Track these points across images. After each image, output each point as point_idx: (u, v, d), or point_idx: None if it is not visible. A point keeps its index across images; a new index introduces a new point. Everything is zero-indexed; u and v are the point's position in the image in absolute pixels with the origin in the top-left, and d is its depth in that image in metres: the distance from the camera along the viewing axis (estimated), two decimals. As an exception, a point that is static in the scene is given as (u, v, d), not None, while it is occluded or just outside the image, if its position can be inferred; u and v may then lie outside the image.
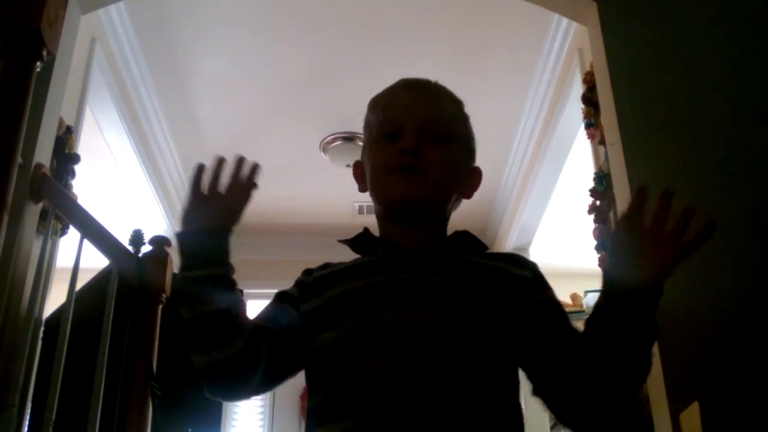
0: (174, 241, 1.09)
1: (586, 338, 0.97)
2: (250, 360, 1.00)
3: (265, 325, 1.05)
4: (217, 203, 1.05)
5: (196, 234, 1.02)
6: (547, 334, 1.01)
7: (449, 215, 1.15)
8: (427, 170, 1.07)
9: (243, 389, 1.03)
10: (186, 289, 1.00)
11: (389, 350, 0.94)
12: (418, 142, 1.07)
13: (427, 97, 1.16)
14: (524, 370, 1.03)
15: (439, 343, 0.95)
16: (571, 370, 0.96)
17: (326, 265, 1.14)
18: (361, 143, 4.51)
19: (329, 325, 1.02)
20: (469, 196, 1.17)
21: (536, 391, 1.01)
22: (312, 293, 1.08)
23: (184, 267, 1.00)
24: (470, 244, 1.12)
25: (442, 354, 0.94)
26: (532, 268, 1.09)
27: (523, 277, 1.06)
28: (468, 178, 1.17)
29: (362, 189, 1.21)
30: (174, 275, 2.35)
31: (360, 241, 1.14)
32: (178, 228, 1.04)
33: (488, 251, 1.14)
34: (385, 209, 1.13)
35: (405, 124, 1.10)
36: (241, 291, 3.14)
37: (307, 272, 1.14)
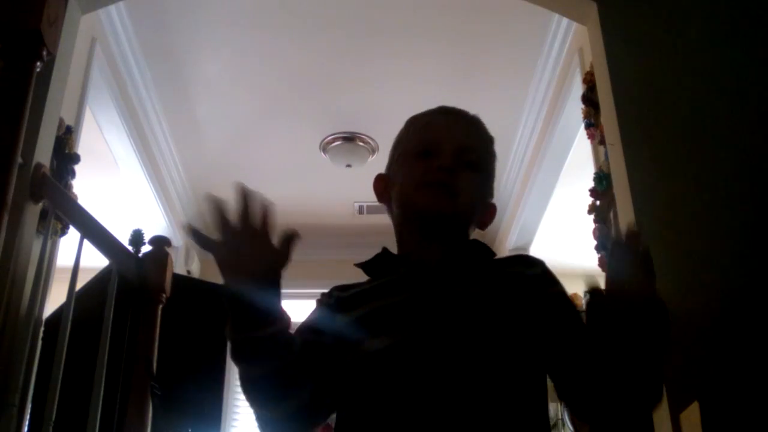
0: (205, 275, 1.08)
1: (594, 344, 0.98)
2: (318, 400, 1.00)
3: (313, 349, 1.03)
4: (258, 242, 0.94)
5: (243, 285, 0.91)
6: (562, 327, 1.04)
7: (467, 237, 1.18)
8: (458, 191, 1.10)
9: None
10: (241, 351, 0.94)
11: (425, 367, 0.95)
12: (455, 163, 1.11)
13: (466, 125, 1.20)
14: (548, 372, 1.05)
15: (477, 355, 0.96)
16: (585, 369, 0.98)
17: (346, 287, 1.15)
18: (361, 143, 4.47)
19: (358, 344, 1.02)
20: (483, 227, 1.20)
21: (560, 394, 1.03)
22: (338, 312, 1.09)
23: (236, 328, 0.92)
24: (482, 252, 1.15)
25: (481, 365, 0.96)
26: (541, 264, 1.12)
27: (535, 276, 1.09)
28: (486, 210, 1.20)
29: (382, 201, 1.22)
30: (174, 275, 2.35)
31: (379, 261, 1.16)
32: (222, 280, 0.93)
33: (497, 257, 1.17)
34: (411, 220, 1.14)
35: (443, 144, 1.13)
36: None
37: (328, 295, 1.14)
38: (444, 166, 1.10)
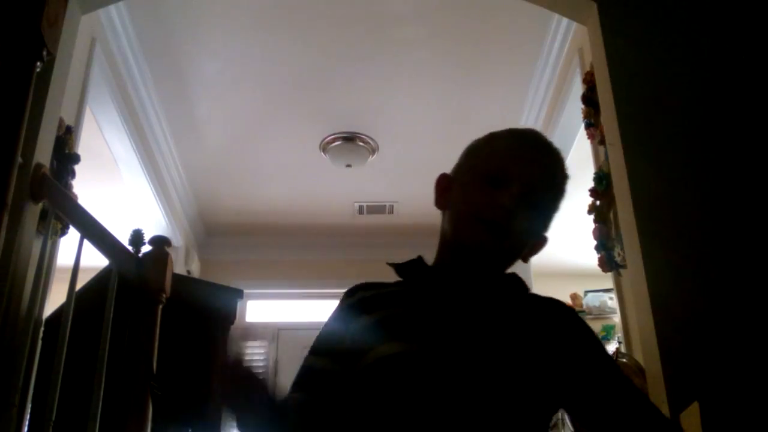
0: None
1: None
2: None
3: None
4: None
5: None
6: (586, 368, 1.03)
7: (507, 268, 1.16)
8: (510, 233, 1.06)
9: None
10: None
11: (432, 378, 0.95)
12: (517, 206, 1.06)
13: (545, 162, 1.13)
14: (567, 410, 1.05)
15: (485, 374, 0.96)
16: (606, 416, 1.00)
17: (371, 286, 1.14)
18: (361, 143, 4.45)
19: (367, 349, 1.02)
20: (526, 260, 1.16)
21: (582, 426, 1.03)
22: (360, 313, 1.08)
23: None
24: (516, 286, 1.13)
25: (488, 385, 0.95)
26: (575, 315, 1.11)
27: (569, 324, 1.07)
28: (535, 245, 1.16)
29: (440, 205, 1.17)
30: (174, 275, 2.35)
31: (412, 266, 1.14)
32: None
33: (531, 293, 1.15)
34: (456, 244, 1.11)
35: (514, 179, 1.07)
36: (241, 291, 3.13)
37: (352, 293, 1.15)
38: (506, 206, 1.05)
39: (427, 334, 1.00)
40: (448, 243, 1.12)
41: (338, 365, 1.06)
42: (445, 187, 1.17)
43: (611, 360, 1.08)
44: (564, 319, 1.07)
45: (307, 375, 1.11)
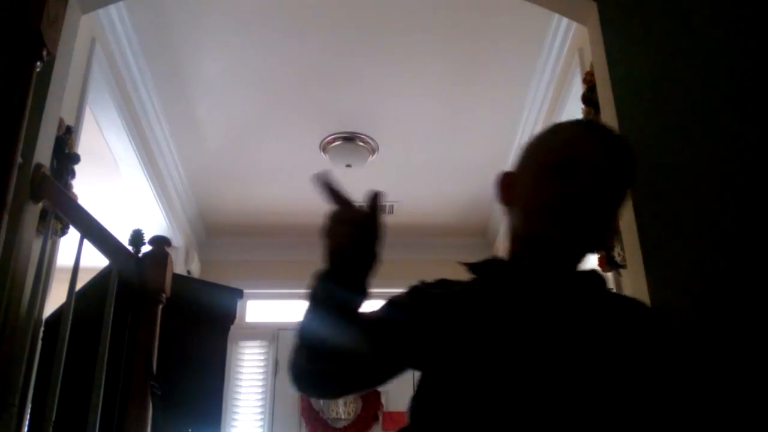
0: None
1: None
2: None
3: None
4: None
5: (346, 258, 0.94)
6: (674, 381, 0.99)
7: (583, 261, 1.12)
8: (583, 222, 1.03)
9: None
10: (320, 300, 0.99)
11: (534, 397, 0.91)
12: (587, 190, 1.03)
13: (611, 147, 1.10)
14: None
15: (594, 390, 0.92)
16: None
17: (442, 282, 1.10)
18: (361, 143, 4.45)
19: (452, 354, 0.98)
20: (599, 249, 1.15)
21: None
22: (429, 312, 1.04)
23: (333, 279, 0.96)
24: (597, 283, 1.10)
25: (596, 404, 0.91)
26: (663, 313, 1.10)
27: (658, 322, 1.05)
28: (608, 234, 1.13)
29: (505, 201, 1.14)
30: (174, 275, 2.34)
31: (489, 266, 1.11)
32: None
33: (611, 291, 1.12)
34: (529, 239, 1.08)
35: (581, 166, 1.04)
36: (241, 291, 3.13)
37: (419, 289, 1.11)
38: (576, 194, 1.02)
39: (526, 344, 0.95)
40: (520, 238, 1.09)
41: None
42: (509, 183, 1.14)
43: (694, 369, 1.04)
44: (655, 326, 1.04)
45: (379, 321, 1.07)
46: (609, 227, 1.10)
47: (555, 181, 1.04)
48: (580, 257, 1.09)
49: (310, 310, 0.98)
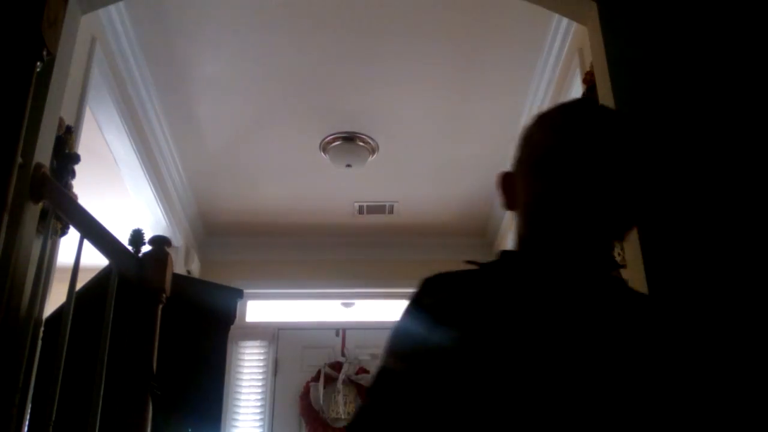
0: None
1: None
2: None
3: None
4: None
5: None
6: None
7: (609, 260, 1.02)
8: (593, 213, 0.94)
9: None
10: None
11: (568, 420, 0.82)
12: (584, 186, 0.94)
13: (602, 130, 0.98)
14: None
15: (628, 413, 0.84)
16: None
17: (452, 284, 0.97)
18: (361, 143, 4.45)
19: (473, 378, 0.86)
20: (624, 238, 1.04)
21: None
22: (444, 321, 0.91)
23: None
24: (619, 291, 1.00)
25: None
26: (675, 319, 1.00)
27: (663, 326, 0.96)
28: (631, 223, 1.04)
29: (509, 206, 1.05)
30: (174, 275, 2.35)
31: (501, 267, 1.01)
32: None
33: (632, 292, 1.03)
34: (539, 240, 0.97)
35: (578, 157, 0.95)
36: (241, 291, 3.13)
37: (430, 295, 0.97)
38: (576, 185, 0.93)
39: (557, 361, 0.86)
40: (528, 240, 0.99)
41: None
42: (508, 184, 1.05)
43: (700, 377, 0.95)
44: (667, 329, 0.95)
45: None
46: (625, 209, 0.98)
47: (548, 178, 0.96)
48: (594, 250, 0.97)
49: None
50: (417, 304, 0.97)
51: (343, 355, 4.86)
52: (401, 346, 0.96)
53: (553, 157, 0.96)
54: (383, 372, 0.95)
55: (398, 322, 0.98)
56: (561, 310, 0.91)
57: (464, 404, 0.86)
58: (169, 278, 2.30)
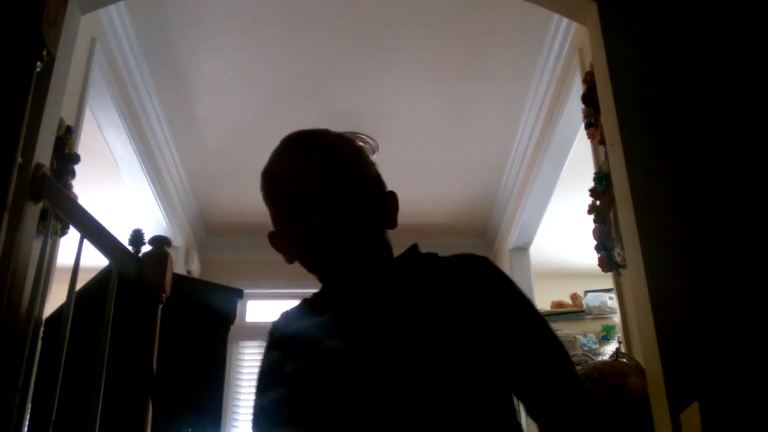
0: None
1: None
2: None
3: None
4: None
5: None
6: (510, 344, 0.98)
7: (386, 242, 1.13)
8: (350, 230, 1.03)
9: None
10: None
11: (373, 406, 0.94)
12: (333, 206, 1.03)
13: (323, 155, 1.15)
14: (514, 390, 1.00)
15: (421, 388, 0.92)
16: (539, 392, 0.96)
17: (289, 318, 1.16)
18: (361, 143, 4.51)
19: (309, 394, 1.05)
20: (393, 224, 1.16)
21: (528, 412, 0.97)
22: (285, 358, 1.11)
23: None
24: (414, 263, 1.10)
25: (430, 398, 0.92)
26: (484, 269, 1.05)
27: (482, 286, 1.02)
28: (387, 210, 1.17)
29: (289, 259, 1.14)
30: (174, 275, 2.35)
31: (320, 297, 1.13)
32: None
33: (440, 258, 1.11)
34: (321, 273, 1.10)
35: (309, 192, 1.05)
36: (241, 291, 3.13)
37: (272, 332, 1.18)
38: (324, 218, 1.01)
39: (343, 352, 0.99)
40: (323, 276, 1.11)
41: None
42: (278, 243, 1.13)
43: (530, 325, 1.01)
44: (476, 285, 1.01)
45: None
46: (377, 210, 1.11)
47: (293, 219, 1.05)
48: (375, 251, 1.08)
49: None
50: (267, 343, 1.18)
51: (343, 355, 4.85)
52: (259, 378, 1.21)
53: (288, 206, 1.06)
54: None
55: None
56: (354, 301, 1.03)
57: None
58: (169, 278, 2.30)
